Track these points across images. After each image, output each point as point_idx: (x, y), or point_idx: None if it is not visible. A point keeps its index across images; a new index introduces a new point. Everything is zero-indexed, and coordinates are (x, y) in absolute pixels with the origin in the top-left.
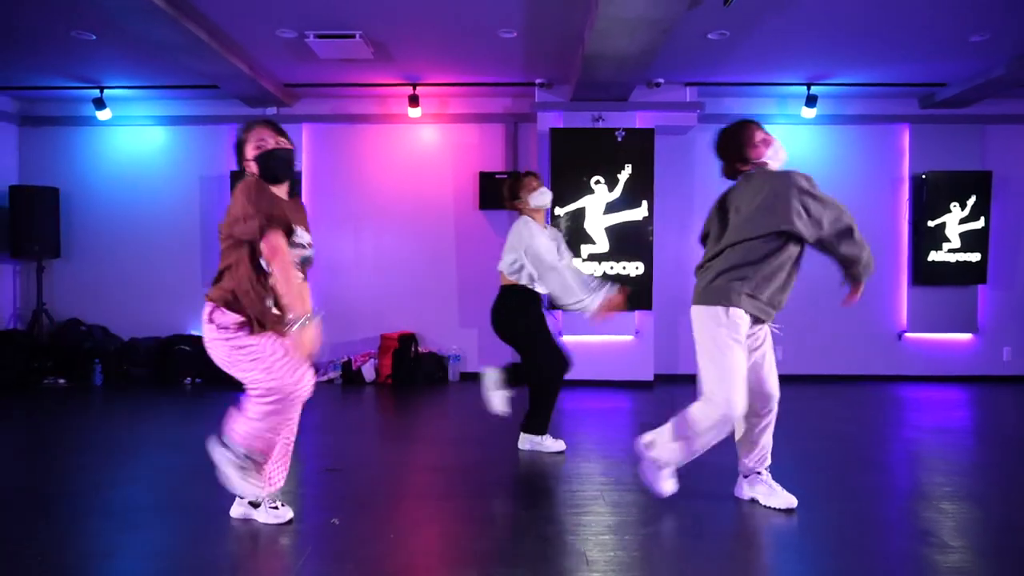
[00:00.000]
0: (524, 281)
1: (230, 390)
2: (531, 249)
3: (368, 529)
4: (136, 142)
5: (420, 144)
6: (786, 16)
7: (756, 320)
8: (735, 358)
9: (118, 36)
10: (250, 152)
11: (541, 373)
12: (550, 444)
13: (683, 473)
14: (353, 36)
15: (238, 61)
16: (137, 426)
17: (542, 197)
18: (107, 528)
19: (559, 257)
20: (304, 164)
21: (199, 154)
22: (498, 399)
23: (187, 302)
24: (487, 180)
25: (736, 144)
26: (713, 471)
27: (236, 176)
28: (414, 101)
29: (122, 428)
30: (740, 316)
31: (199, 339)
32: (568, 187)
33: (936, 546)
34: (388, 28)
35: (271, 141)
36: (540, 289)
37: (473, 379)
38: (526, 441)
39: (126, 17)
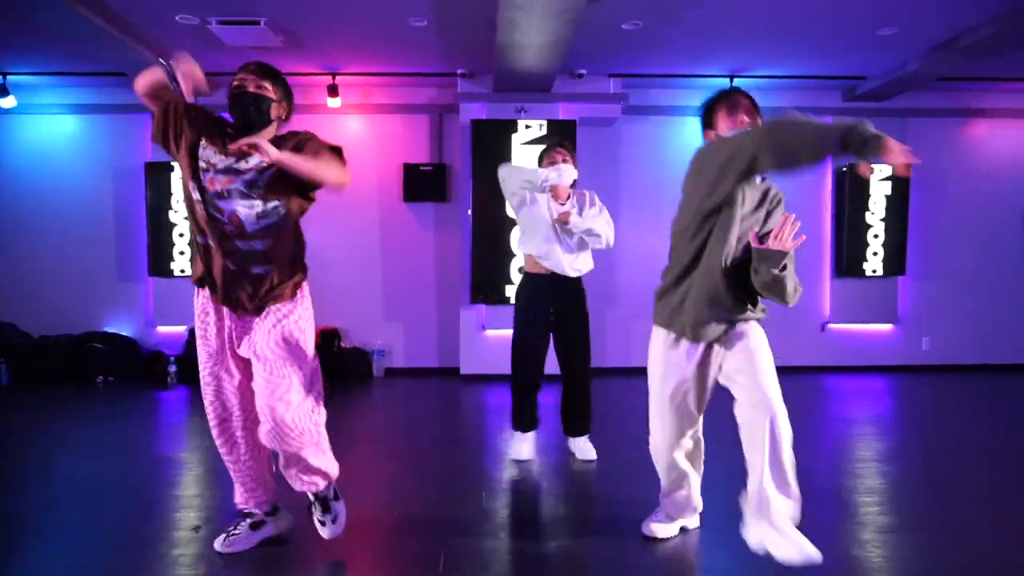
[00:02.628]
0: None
1: (145, 389)
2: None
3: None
4: (45, 131)
5: (343, 135)
6: (698, 7)
7: None
8: None
9: (7, 21)
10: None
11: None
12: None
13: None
14: (258, 23)
15: (143, 48)
16: (38, 427)
17: (557, 173)
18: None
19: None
20: None
21: (113, 144)
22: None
23: (101, 298)
24: (412, 172)
25: None
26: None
27: (151, 167)
28: (333, 91)
29: (21, 429)
30: None
31: (113, 336)
32: (490, 180)
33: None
34: (294, 15)
35: (250, 84)
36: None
37: (398, 375)
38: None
39: (9, 2)
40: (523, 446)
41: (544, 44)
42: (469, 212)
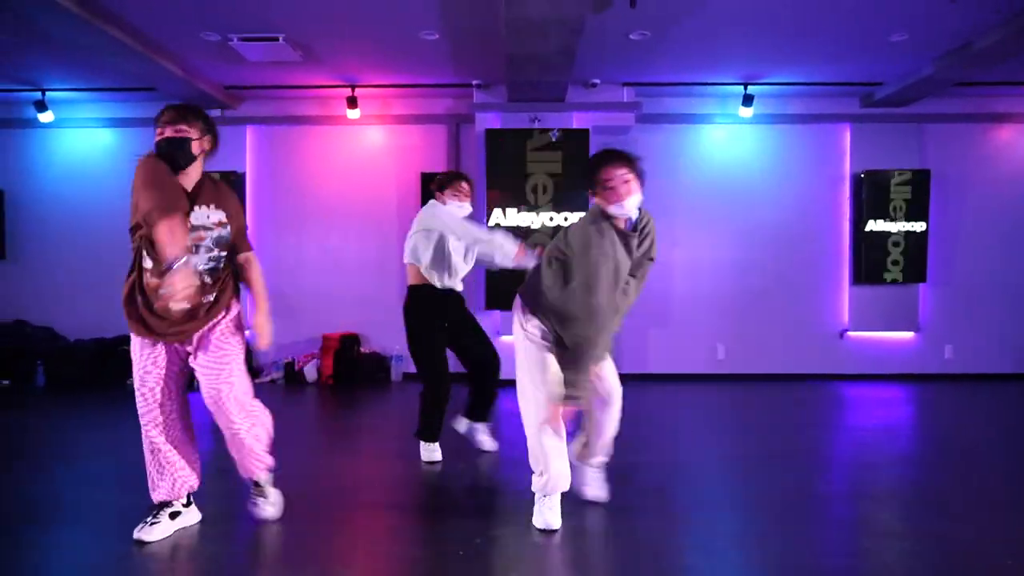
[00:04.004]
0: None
1: None
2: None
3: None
4: (82, 144)
5: (362, 145)
6: (702, 17)
7: None
8: None
9: (38, 39)
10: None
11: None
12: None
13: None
14: (277, 39)
15: (169, 64)
16: (70, 426)
17: (460, 209)
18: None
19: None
20: (248, 165)
21: None
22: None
23: None
24: (429, 180)
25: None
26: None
27: None
28: (352, 103)
29: (54, 428)
30: None
31: None
32: (504, 188)
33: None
34: (311, 31)
35: (167, 130)
36: (451, 285)
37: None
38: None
39: (36, 20)
40: (435, 452)
41: (551, 54)
42: (484, 220)
